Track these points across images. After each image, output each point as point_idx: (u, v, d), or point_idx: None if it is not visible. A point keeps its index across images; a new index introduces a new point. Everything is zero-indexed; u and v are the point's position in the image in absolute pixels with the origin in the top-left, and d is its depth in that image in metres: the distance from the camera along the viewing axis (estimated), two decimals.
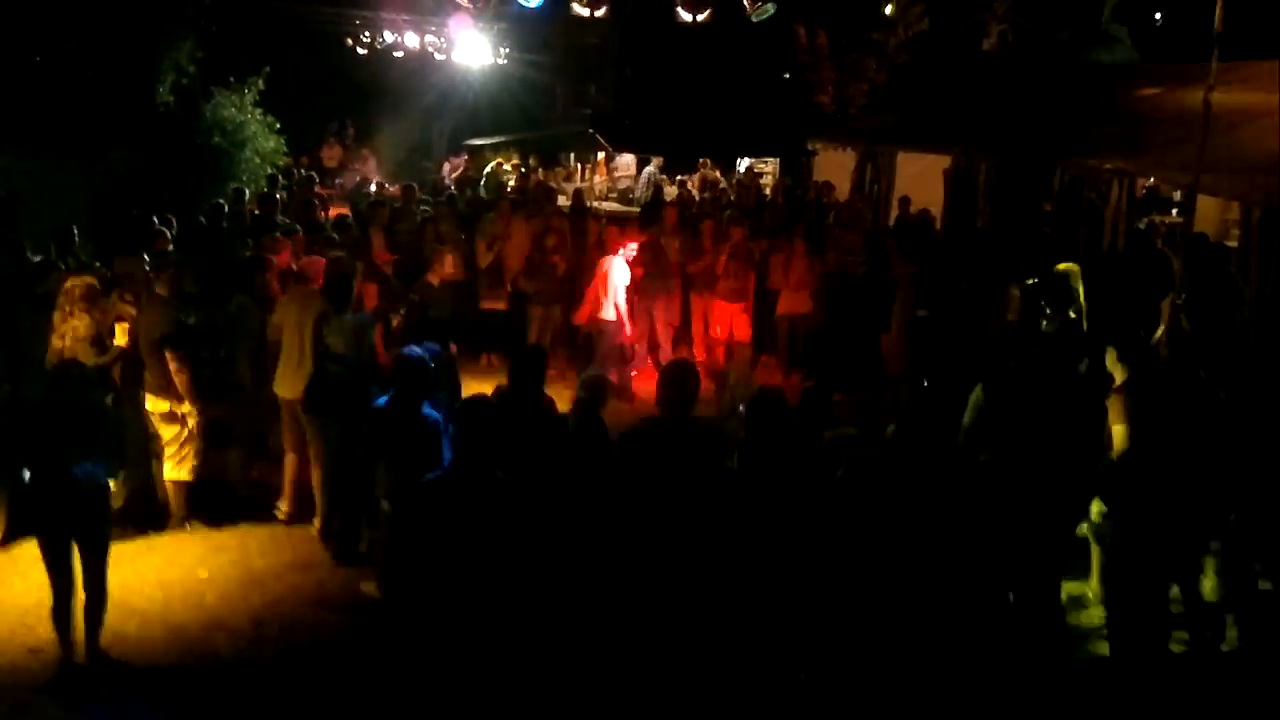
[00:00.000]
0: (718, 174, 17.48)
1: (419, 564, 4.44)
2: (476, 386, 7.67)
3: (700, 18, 14.84)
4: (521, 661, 4.47)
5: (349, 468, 6.57)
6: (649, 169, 16.84)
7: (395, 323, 8.17)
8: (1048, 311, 8.36)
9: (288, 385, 7.23)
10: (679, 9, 14.86)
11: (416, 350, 5.84)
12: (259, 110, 14.42)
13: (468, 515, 4.31)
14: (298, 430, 7.25)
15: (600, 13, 14.64)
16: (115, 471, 5.69)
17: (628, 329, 10.47)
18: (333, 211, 15.17)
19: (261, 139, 14.39)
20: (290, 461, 7.42)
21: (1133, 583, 5.12)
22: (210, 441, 7.30)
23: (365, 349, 7.03)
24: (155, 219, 9.76)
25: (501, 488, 4.37)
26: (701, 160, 17.20)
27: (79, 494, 5.22)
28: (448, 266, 9.19)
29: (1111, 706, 5.15)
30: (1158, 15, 18.40)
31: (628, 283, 10.37)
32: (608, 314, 10.26)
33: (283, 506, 7.41)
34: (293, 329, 7.24)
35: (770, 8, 15.35)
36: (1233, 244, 12.28)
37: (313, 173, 15.54)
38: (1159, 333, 8.74)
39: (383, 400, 5.77)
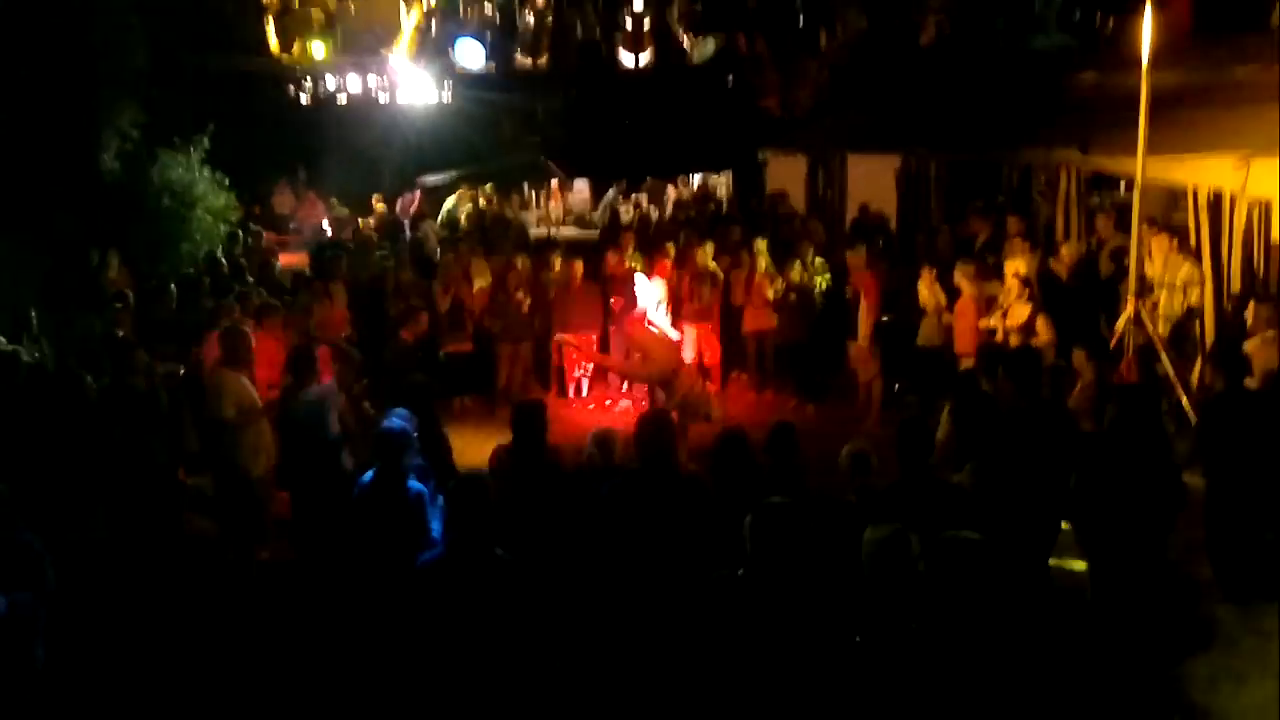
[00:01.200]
0: (681, 191, 17.62)
1: (419, 643, 4.44)
2: (453, 432, 7.64)
3: (642, 62, 15.14)
4: None
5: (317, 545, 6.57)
6: (609, 194, 16.89)
7: (357, 389, 8.07)
8: None
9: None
10: (619, 54, 15.14)
11: (396, 422, 5.78)
12: (207, 168, 14.31)
13: (468, 596, 4.30)
14: None
15: (542, 61, 14.80)
16: None
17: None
18: (289, 258, 15.16)
19: (212, 197, 14.28)
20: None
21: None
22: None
23: (329, 422, 6.94)
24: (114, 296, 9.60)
25: (502, 567, 4.37)
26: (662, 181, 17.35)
27: None
28: (422, 323, 9.13)
29: None
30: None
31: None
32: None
33: None
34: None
35: (711, 44, 15.58)
36: (1184, 215, 12.48)
37: (258, 229, 15.43)
38: (1120, 321, 8.85)
39: (367, 476, 5.68)
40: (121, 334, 8.45)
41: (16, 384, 7.31)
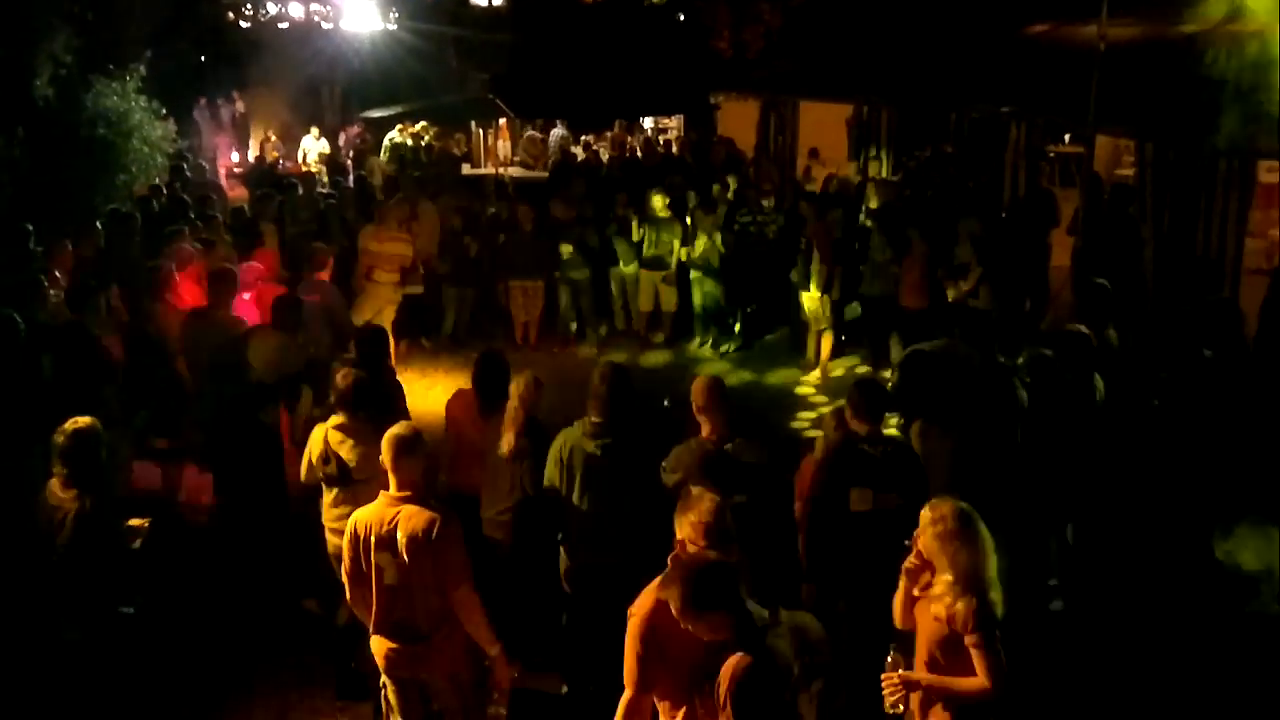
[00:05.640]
0: (634, 139, 17.36)
1: None
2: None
3: None
4: None
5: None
6: (556, 132, 16.63)
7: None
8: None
9: None
10: None
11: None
12: (143, 97, 13.86)
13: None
14: None
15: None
16: None
17: None
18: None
19: (148, 127, 13.86)
20: None
21: None
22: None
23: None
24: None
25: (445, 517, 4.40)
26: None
27: None
28: (327, 264, 8.91)
29: None
30: None
31: None
32: None
33: None
34: None
35: None
36: (1127, 171, 12.63)
37: (200, 162, 15.04)
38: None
39: None
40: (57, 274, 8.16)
41: None
